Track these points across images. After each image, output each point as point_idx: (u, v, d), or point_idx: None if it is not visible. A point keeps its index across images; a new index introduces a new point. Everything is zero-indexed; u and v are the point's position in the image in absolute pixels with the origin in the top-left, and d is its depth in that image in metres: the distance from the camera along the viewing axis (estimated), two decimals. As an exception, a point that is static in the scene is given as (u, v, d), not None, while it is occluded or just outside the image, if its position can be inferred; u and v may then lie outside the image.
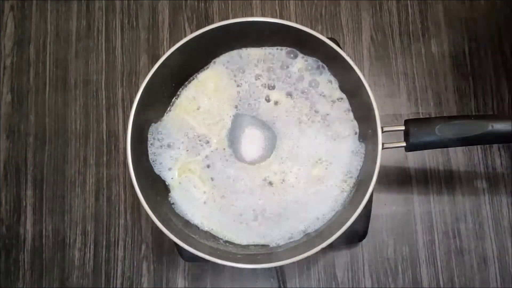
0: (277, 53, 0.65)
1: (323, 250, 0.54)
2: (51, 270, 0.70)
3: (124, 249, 0.70)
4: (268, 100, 0.64)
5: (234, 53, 0.65)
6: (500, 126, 0.53)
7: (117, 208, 0.71)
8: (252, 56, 0.65)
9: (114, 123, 0.74)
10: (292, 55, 0.64)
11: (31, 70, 0.76)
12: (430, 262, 0.68)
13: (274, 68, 0.65)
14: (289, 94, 0.64)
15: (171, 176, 0.63)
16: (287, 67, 0.64)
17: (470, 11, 0.75)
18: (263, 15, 0.76)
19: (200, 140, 0.63)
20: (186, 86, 0.65)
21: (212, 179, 0.62)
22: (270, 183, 0.62)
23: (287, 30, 0.59)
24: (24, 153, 0.73)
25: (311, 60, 0.65)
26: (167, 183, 0.63)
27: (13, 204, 0.72)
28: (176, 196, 0.62)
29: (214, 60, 0.65)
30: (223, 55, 0.65)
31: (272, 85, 0.64)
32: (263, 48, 0.65)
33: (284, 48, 0.64)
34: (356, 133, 0.63)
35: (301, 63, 0.65)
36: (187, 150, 0.63)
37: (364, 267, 0.68)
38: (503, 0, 0.76)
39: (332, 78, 0.64)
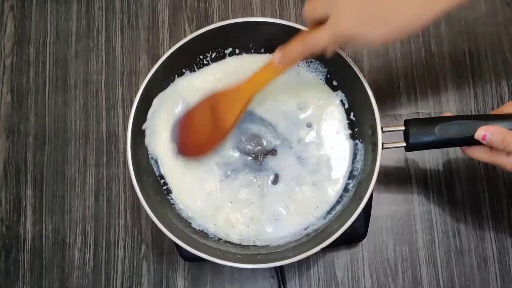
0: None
1: (323, 250, 0.54)
2: (51, 270, 0.70)
3: (124, 249, 0.70)
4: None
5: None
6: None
7: (117, 208, 0.71)
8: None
9: (114, 123, 0.74)
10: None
11: (31, 70, 0.76)
12: (430, 262, 0.68)
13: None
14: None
15: (171, 176, 0.63)
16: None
17: (470, 11, 0.75)
18: (263, 15, 0.76)
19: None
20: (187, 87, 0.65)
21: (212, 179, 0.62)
22: (270, 183, 0.62)
23: (286, 30, 0.59)
24: (24, 153, 0.73)
25: (310, 62, 0.65)
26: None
27: (13, 204, 0.72)
28: (177, 196, 0.62)
29: (215, 60, 0.65)
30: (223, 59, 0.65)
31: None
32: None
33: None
34: (356, 133, 0.63)
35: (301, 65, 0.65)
36: (187, 150, 0.63)
37: (364, 267, 0.68)
38: (503, 0, 0.76)
39: (332, 78, 0.64)
